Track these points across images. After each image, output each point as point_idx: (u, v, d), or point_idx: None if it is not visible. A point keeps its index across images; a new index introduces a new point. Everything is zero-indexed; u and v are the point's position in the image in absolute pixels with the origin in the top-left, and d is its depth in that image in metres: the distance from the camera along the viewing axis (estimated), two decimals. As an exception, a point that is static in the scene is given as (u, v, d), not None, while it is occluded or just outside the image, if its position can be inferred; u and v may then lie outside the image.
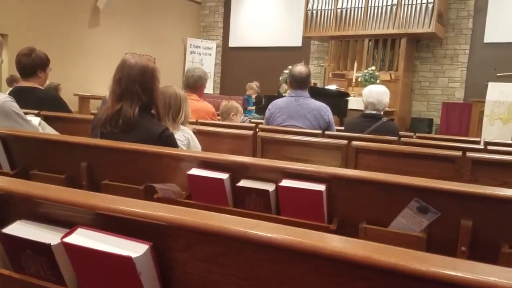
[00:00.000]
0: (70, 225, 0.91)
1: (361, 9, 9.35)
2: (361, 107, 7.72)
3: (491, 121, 5.79)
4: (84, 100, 8.70)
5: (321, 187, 1.50)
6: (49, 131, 2.49)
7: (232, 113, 3.63)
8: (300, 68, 3.41)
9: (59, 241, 0.82)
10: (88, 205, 0.87)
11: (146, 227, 0.88)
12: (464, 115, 8.26)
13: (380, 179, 1.41)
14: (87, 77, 9.17)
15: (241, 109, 3.84)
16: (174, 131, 2.25)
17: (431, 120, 9.67)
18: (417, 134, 3.86)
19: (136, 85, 1.93)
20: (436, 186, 1.31)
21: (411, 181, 1.36)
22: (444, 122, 8.83)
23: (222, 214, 0.82)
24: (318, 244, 0.72)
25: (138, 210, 0.86)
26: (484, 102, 6.01)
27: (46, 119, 2.69)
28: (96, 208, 0.87)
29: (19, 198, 0.95)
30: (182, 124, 2.33)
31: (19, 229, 0.91)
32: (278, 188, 1.59)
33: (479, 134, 6.12)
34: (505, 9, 8.79)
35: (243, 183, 1.66)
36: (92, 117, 3.26)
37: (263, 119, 7.17)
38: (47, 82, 4.05)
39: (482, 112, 6.03)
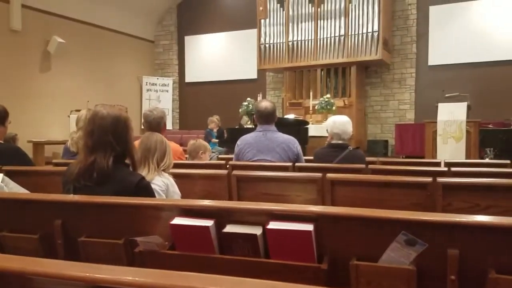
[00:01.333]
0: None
1: (311, 41, 9.73)
2: (320, 133, 7.90)
3: (444, 140, 6.09)
4: (38, 146, 8.36)
5: (309, 227, 1.51)
6: (13, 187, 2.37)
7: (201, 152, 3.61)
8: (265, 104, 3.48)
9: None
10: (90, 279, 0.83)
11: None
12: (417, 135, 8.65)
13: (367, 215, 1.44)
14: (40, 122, 8.87)
15: (209, 147, 3.83)
16: (154, 176, 2.21)
17: (386, 141, 10.06)
18: (380, 159, 4.01)
19: (109, 136, 1.90)
20: (422, 219, 1.36)
21: (397, 214, 1.40)
22: (399, 143, 9.20)
23: (233, 278, 0.80)
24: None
25: (143, 280, 0.83)
26: (436, 122, 6.33)
27: (9, 174, 2.55)
28: (98, 282, 0.84)
29: (12, 275, 0.89)
30: (163, 170, 2.30)
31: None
32: (265, 231, 1.57)
33: (434, 153, 6.41)
34: (444, 33, 9.44)
35: (229, 228, 1.64)
36: (54, 168, 3.14)
37: (227, 152, 7.19)
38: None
39: (435, 132, 6.33)
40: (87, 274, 0.84)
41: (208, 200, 1.77)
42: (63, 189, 1.98)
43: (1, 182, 2.34)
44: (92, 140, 1.89)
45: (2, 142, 2.90)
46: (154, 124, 3.64)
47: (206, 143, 3.80)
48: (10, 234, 1.83)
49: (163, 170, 2.31)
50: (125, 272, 0.84)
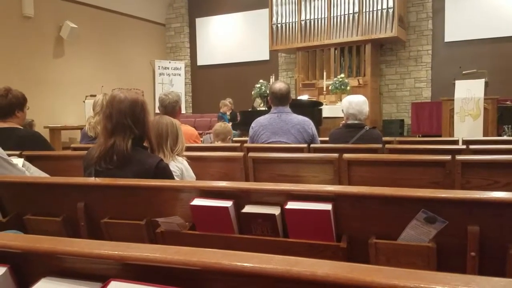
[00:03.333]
0: (97, 278, 0.89)
1: (325, 19, 9.58)
2: (334, 114, 7.82)
3: (461, 118, 6.00)
4: (55, 132, 8.49)
5: (328, 206, 1.52)
6: (34, 172, 2.42)
7: (229, 137, 3.65)
8: (279, 85, 3.45)
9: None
10: (119, 256, 0.86)
11: (179, 273, 0.87)
12: (434, 113, 8.53)
13: (386, 194, 1.44)
14: (55, 108, 8.97)
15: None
16: (169, 162, 2.23)
17: (402, 120, 9.94)
18: (396, 139, 3.97)
19: (128, 119, 1.92)
20: (442, 196, 1.35)
21: (416, 193, 1.39)
22: (415, 122, 9.10)
23: (261, 254, 0.82)
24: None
25: (171, 257, 0.85)
26: (453, 100, 6.23)
27: (29, 158, 2.61)
28: (127, 259, 0.86)
29: (43, 255, 0.92)
30: (178, 154, 2.32)
31: (46, 288, 0.88)
32: (284, 211, 1.59)
33: (451, 131, 6.32)
34: (461, 8, 9.20)
35: (247, 209, 1.66)
36: (73, 153, 3.19)
37: (240, 135, 7.21)
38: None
39: (452, 110, 6.24)
40: (117, 252, 0.86)
41: (227, 182, 1.79)
42: (84, 173, 2.02)
43: (22, 166, 2.40)
44: (111, 123, 1.92)
45: (21, 128, 2.96)
46: (170, 108, 3.67)
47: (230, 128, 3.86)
48: (33, 217, 1.89)
49: (177, 155, 2.33)
50: (154, 249, 0.87)
